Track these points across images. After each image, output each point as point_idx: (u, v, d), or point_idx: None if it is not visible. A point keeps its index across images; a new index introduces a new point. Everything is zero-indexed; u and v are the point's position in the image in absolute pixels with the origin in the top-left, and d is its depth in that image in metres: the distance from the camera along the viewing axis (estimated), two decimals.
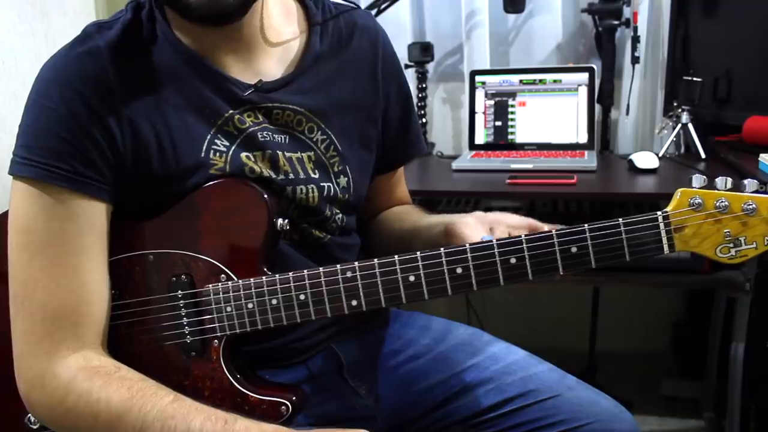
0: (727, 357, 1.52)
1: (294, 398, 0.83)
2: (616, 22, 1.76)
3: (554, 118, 1.78)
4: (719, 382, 1.68)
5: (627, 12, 1.77)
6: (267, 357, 0.88)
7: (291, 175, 0.86)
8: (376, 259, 0.78)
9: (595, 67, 1.77)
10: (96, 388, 0.75)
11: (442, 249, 0.77)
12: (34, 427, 0.85)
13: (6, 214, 0.90)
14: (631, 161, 1.60)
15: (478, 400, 0.92)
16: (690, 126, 1.64)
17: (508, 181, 1.51)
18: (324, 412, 0.90)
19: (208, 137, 0.83)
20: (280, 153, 0.86)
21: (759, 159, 1.38)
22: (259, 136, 0.85)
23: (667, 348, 2.06)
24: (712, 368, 1.74)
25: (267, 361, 0.88)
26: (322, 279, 0.79)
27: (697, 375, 1.83)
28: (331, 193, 0.89)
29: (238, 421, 0.72)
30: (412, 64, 1.92)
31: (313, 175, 0.88)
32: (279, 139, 0.86)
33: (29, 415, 0.84)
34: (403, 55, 1.90)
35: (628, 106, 1.85)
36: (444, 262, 0.76)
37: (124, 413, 0.73)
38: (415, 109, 1.06)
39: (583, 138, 1.76)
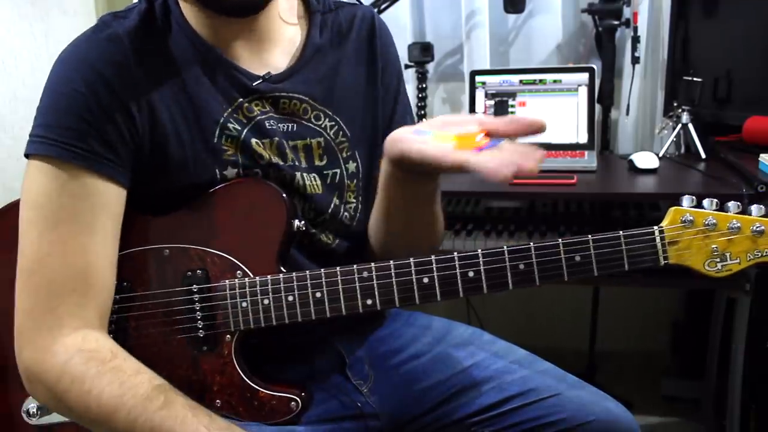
0: (727, 357, 1.52)
1: (303, 394, 0.84)
2: (616, 22, 1.77)
3: (554, 118, 1.78)
4: (719, 382, 1.68)
5: (627, 12, 1.77)
6: (271, 354, 0.88)
7: (296, 162, 0.88)
8: (392, 261, 0.80)
9: (595, 67, 1.76)
10: (89, 376, 0.75)
11: (455, 253, 0.79)
12: (31, 421, 0.85)
13: (5, 208, 0.90)
14: (631, 161, 1.60)
15: (478, 399, 0.92)
16: (690, 126, 1.64)
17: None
18: (326, 410, 0.90)
19: (221, 122, 0.84)
20: (285, 141, 0.87)
21: (759, 159, 1.39)
22: (266, 124, 0.87)
23: (667, 348, 2.06)
24: (712, 368, 1.74)
25: (271, 358, 0.88)
26: (339, 278, 0.80)
27: (697, 375, 1.83)
28: (336, 180, 0.91)
29: None
30: (412, 64, 1.92)
31: (318, 163, 0.90)
32: (284, 127, 0.88)
33: (27, 406, 0.85)
34: (403, 55, 1.90)
35: (628, 106, 1.85)
36: (457, 266, 0.79)
37: (113, 412, 0.73)
38: (408, 100, 1.04)
39: (583, 138, 1.76)
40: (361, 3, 1.00)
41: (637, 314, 2.09)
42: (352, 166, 0.93)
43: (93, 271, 0.78)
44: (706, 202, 0.80)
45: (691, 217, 0.79)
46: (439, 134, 0.75)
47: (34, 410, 0.85)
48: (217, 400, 0.84)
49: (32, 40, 1.66)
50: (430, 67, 1.97)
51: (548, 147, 1.77)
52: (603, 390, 0.93)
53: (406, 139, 0.77)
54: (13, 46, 1.60)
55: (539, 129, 0.74)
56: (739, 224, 0.78)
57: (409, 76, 1.96)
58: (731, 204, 0.80)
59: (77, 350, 0.76)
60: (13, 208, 0.82)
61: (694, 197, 0.81)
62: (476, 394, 0.92)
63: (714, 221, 0.79)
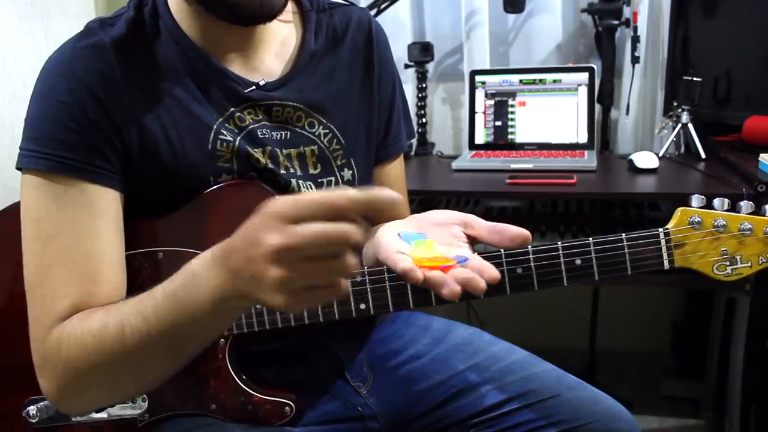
0: (727, 357, 1.52)
1: (297, 398, 0.84)
2: (616, 22, 1.77)
3: (554, 118, 1.78)
4: (719, 382, 1.68)
5: (627, 12, 1.77)
6: (269, 358, 0.88)
7: (291, 170, 0.87)
8: (385, 265, 0.78)
9: (595, 67, 1.77)
10: (78, 321, 0.73)
11: None
12: (33, 420, 0.85)
13: (5, 211, 0.89)
14: (631, 161, 1.60)
15: (478, 400, 0.92)
16: (690, 126, 1.64)
17: (508, 181, 1.51)
18: (326, 412, 0.90)
19: (214, 128, 0.83)
20: (278, 150, 0.87)
21: (759, 159, 1.39)
22: (259, 133, 0.86)
23: (667, 348, 2.06)
24: (712, 368, 1.74)
25: (269, 362, 0.88)
26: None
27: (697, 375, 1.83)
28: (332, 187, 0.90)
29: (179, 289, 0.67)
30: (412, 64, 1.92)
31: (312, 171, 0.89)
32: (278, 135, 0.87)
33: (27, 408, 0.84)
34: (403, 55, 1.90)
35: (628, 106, 1.85)
36: None
37: (102, 328, 0.71)
38: (406, 105, 1.05)
39: (583, 138, 1.76)
40: (355, 4, 0.99)
41: (637, 314, 2.09)
42: (347, 173, 0.91)
43: (99, 274, 0.77)
44: (716, 202, 0.76)
45: (699, 219, 0.75)
46: (421, 243, 0.74)
47: (34, 411, 0.84)
48: (212, 405, 0.83)
49: (32, 40, 1.66)
50: (430, 66, 1.97)
51: (548, 147, 1.78)
52: (603, 390, 0.93)
53: (386, 251, 0.74)
54: (13, 46, 1.60)
55: (523, 243, 0.73)
56: (750, 226, 0.74)
57: (409, 76, 1.96)
58: (743, 204, 0.76)
59: (66, 320, 0.74)
60: (16, 209, 0.81)
61: (703, 197, 0.76)
62: (476, 395, 0.92)
63: (724, 222, 0.75)
